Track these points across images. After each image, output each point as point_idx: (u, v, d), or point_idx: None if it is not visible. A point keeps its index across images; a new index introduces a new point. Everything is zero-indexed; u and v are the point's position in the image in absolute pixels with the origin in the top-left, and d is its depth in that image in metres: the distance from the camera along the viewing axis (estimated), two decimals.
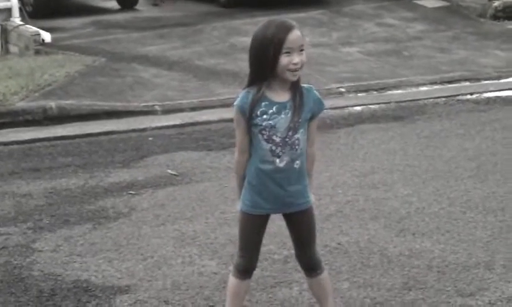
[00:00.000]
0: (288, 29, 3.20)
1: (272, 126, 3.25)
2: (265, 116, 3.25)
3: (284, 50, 3.18)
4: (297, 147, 3.30)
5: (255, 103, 3.24)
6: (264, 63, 3.20)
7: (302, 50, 3.22)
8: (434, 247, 4.70)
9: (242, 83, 3.33)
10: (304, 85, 3.34)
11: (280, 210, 3.43)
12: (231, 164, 6.40)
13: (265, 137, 3.27)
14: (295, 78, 3.24)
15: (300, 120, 3.28)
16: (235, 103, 3.30)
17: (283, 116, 3.26)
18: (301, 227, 3.46)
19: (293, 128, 3.27)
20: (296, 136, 3.29)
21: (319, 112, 3.38)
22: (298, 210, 3.40)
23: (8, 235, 5.14)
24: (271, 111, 3.25)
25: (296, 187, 3.36)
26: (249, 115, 3.25)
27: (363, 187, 5.83)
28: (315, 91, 3.38)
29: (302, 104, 3.28)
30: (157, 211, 5.48)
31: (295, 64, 3.19)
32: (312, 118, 3.35)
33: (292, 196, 3.36)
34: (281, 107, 3.26)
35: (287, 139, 3.27)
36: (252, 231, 3.44)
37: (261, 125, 3.25)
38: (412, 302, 4.04)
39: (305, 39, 3.28)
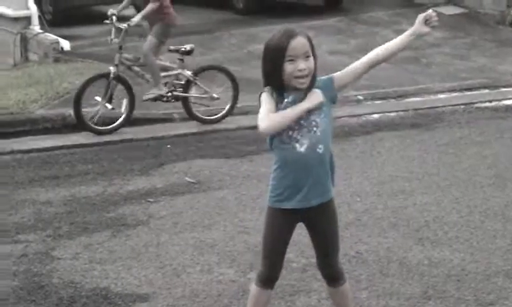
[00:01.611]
0: (290, 36, 3.19)
1: None
2: (280, 105, 3.24)
3: (287, 58, 3.17)
4: (315, 129, 3.26)
5: (277, 98, 3.24)
6: (272, 71, 3.22)
7: (308, 56, 3.20)
8: (454, 256, 4.68)
9: (260, 90, 3.33)
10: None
11: (305, 203, 3.34)
12: (249, 171, 6.46)
13: None
14: (303, 87, 3.22)
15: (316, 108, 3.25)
16: (264, 90, 3.28)
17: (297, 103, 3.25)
18: (323, 222, 3.42)
19: (308, 111, 3.23)
20: (312, 117, 3.26)
21: (329, 84, 3.32)
22: (321, 203, 3.36)
23: (28, 242, 5.18)
24: (286, 100, 3.24)
25: (320, 175, 3.32)
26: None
27: (381, 196, 5.81)
28: (321, 80, 3.32)
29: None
30: (175, 218, 5.50)
31: (300, 70, 3.18)
32: (333, 93, 3.32)
33: (316, 183, 3.31)
34: (297, 97, 3.24)
35: (302, 121, 3.24)
36: (278, 231, 3.41)
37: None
38: None
39: (310, 46, 3.22)
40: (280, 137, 3.27)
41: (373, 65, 3.44)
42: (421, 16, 3.42)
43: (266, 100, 3.27)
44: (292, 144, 3.26)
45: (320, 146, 3.28)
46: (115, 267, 4.73)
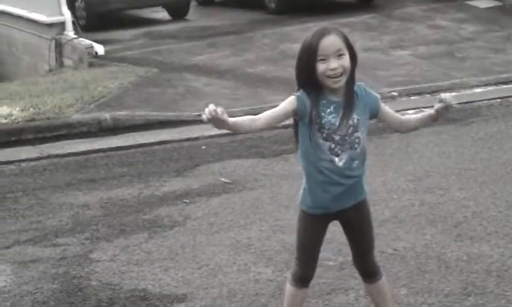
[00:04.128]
0: (321, 35, 3.16)
1: (332, 124, 3.22)
2: (323, 114, 3.22)
3: (319, 57, 3.15)
4: (356, 146, 3.26)
5: (315, 102, 3.21)
6: (305, 72, 3.20)
7: (341, 55, 3.17)
8: (493, 252, 4.62)
9: (293, 90, 3.33)
10: (356, 84, 3.31)
11: (338, 206, 3.33)
12: (284, 170, 6.45)
13: (324, 135, 3.23)
14: (336, 86, 3.19)
15: (357, 119, 3.24)
16: (296, 93, 3.25)
17: (341, 114, 3.23)
18: (358, 220, 3.41)
19: (353, 126, 3.24)
20: (356, 134, 3.26)
21: (377, 105, 3.32)
22: (355, 203, 3.36)
23: (67, 245, 5.23)
24: (329, 110, 3.23)
25: (353, 184, 3.30)
26: (311, 111, 3.20)
27: (418, 192, 5.76)
28: (366, 89, 3.32)
29: (351, 105, 3.24)
30: (211, 219, 5.51)
31: (332, 69, 3.15)
32: (374, 114, 3.32)
33: (349, 190, 3.30)
34: (338, 105, 3.23)
35: (347, 137, 3.24)
36: (310, 233, 3.41)
37: (321, 123, 3.21)
38: None
39: (344, 44, 3.20)
40: (320, 150, 3.24)
41: (401, 128, 3.45)
42: (439, 105, 3.33)
43: (286, 101, 3.25)
44: (332, 157, 3.24)
45: (356, 161, 3.28)
46: (152, 268, 4.76)
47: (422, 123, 3.43)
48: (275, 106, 3.32)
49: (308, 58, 3.17)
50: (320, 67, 3.16)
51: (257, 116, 3.26)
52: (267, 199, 5.83)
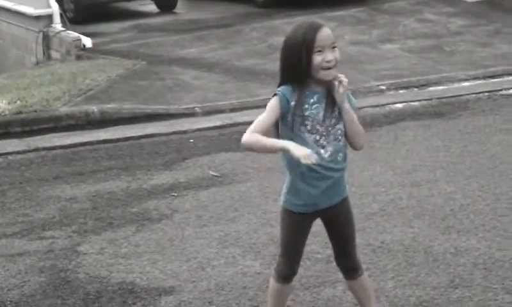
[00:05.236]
0: (317, 27, 3.19)
1: (316, 115, 3.23)
2: (306, 106, 3.23)
3: (316, 49, 3.16)
4: (339, 138, 3.28)
5: (299, 95, 3.21)
6: (297, 64, 3.19)
7: (334, 47, 3.20)
8: (480, 245, 4.64)
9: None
10: None
11: (323, 204, 3.34)
12: (272, 164, 6.43)
13: (308, 127, 3.23)
14: (329, 78, 3.21)
15: (338, 112, 3.25)
16: (277, 91, 3.25)
17: (324, 105, 3.24)
18: (341, 218, 3.42)
19: (335, 118, 3.26)
20: (338, 126, 3.27)
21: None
22: (340, 201, 3.37)
23: (54, 238, 5.22)
24: (312, 100, 3.24)
25: (338, 178, 3.32)
26: (295, 105, 3.21)
27: (405, 185, 5.77)
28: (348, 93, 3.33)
29: (333, 94, 3.25)
30: (199, 212, 5.51)
31: (328, 61, 3.17)
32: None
33: (334, 185, 3.31)
34: (321, 96, 3.25)
35: (330, 128, 3.26)
36: (296, 232, 3.41)
37: (304, 115, 3.22)
38: (458, 301, 3.99)
39: (336, 37, 3.24)
40: (305, 145, 3.22)
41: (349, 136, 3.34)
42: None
43: (270, 109, 3.25)
44: (318, 149, 3.24)
45: (340, 154, 3.30)
46: (140, 261, 4.75)
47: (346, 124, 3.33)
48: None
49: (303, 51, 3.16)
50: (317, 59, 3.17)
51: (251, 136, 3.28)
52: (256, 193, 5.83)
